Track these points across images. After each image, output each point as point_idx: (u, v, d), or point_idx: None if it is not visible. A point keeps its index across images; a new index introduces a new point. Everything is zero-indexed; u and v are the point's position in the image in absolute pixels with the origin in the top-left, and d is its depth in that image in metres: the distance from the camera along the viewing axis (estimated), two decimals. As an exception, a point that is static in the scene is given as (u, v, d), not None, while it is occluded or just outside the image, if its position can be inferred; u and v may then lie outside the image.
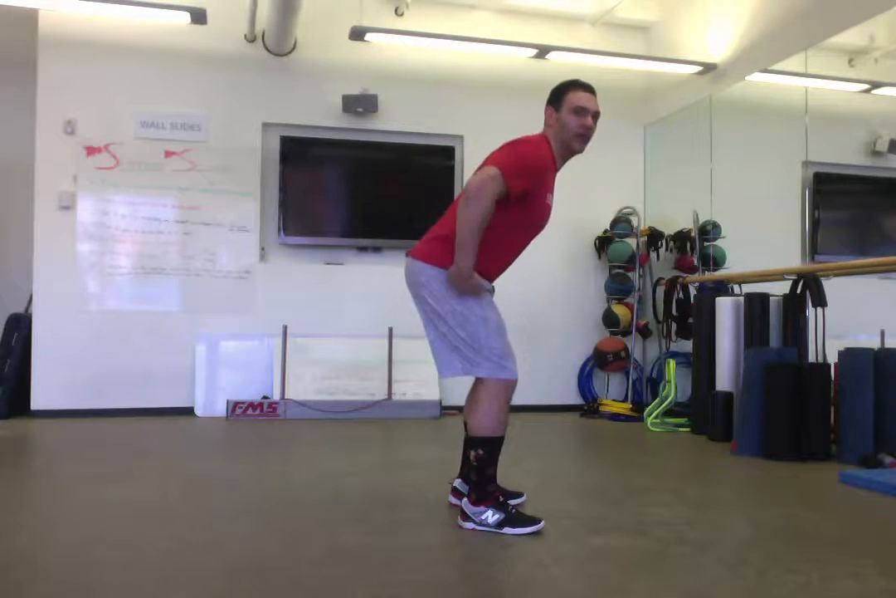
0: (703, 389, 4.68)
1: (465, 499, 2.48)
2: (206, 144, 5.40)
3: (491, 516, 2.40)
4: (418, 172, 5.81)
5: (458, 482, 2.75)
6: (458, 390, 5.46)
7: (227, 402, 5.12)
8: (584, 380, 5.96)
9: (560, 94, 2.57)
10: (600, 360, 5.79)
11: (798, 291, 4.21)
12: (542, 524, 2.40)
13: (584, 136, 2.55)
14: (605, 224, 5.96)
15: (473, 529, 2.41)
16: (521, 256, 2.66)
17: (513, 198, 2.40)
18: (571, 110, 2.52)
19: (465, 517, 2.44)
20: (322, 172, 5.74)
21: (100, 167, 5.22)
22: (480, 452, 2.43)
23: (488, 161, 2.44)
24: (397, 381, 5.45)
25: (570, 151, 2.59)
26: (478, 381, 2.50)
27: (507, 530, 2.38)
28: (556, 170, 2.59)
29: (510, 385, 2.46)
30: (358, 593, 1.87)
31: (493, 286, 2.58)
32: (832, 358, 3.94)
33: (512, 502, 2.57)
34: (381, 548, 2.23)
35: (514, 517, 2.41)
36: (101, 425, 4.80)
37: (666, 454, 4.11)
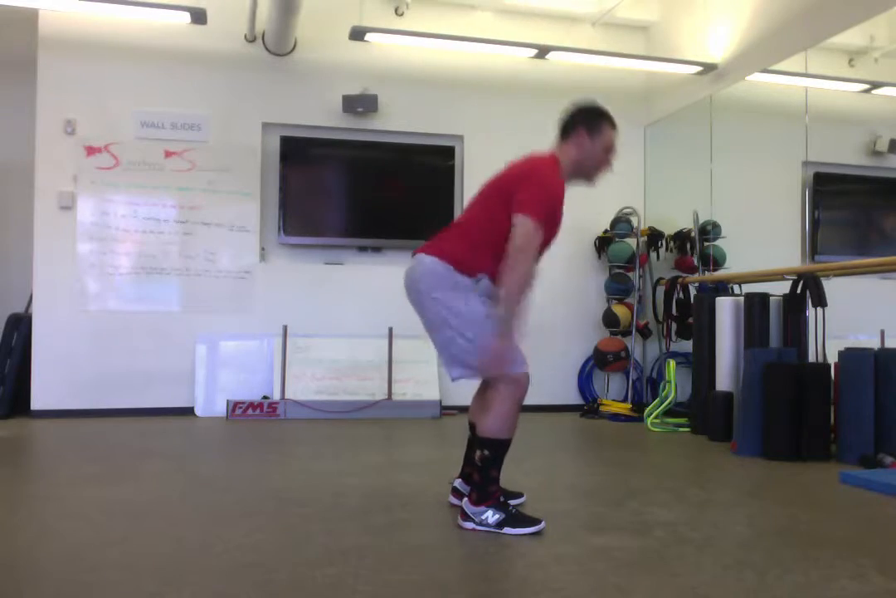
0: (703, 389, 4.68)
1: (465, 499, 2.48)
2: (206, 144, 5.40)
3: (491, 516, 2.40)
4: (418, 172, 5.81)
5: (458, 483, 2.76)
6: (458, 390, 5.48)
7: (227, 402, 5.12)
8: (584, 380, 5.96)
9: (598, 123, 2.57)
10: (600, 360, 5.79)
11: (798, 291, 4.22)
12: (543, 524, 2.40)
13: (604, 173, 2.61)
14: (605, 224, 5.96)
15: (474, 529, 2.41)
16: None
17: None
18: (606, 148, 2.57)
19: (466, 517, 2.44)
20: (322, 172, 5.74)
21: (100, 167, 5.22)
22: (487, 453, 2.43)
23: (520, 205, 2.40)
24: (397, 381, 5.45)
25: (580, 178, 2.64)
26: (489, 383, 2.49)
27: (507, 530, 2.38)
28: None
29: (522, 386, 2.43)
30: (358, 593, 1.87)
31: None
32: (832, 358, 3.94)
33: (512, 502, 2.57)
34: (381, 548, 2.23)
35: (515, 517, 2.41)
36: (101, 425, 4.80)
37: (666, 454, 4.11)
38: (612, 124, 2.60)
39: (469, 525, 2.43)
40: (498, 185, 2.55)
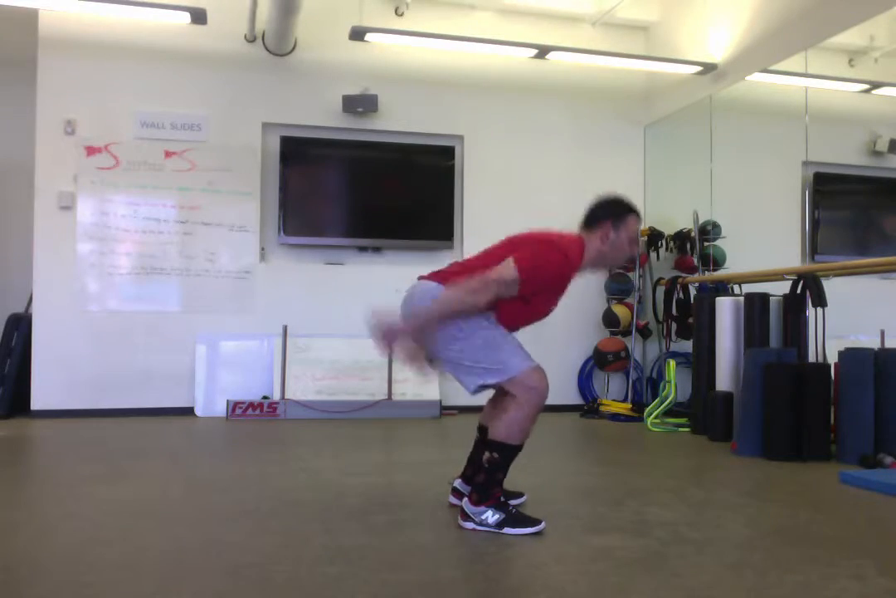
0: (703, 389, 4.68)
1: (465, 499, 2.48)
2: (206, 144, 5.40)
3: (491, 516, 2.40)
4: (418, 172, 5.81)
5: (458, 483, 2.75)
6: (459, 391, 5.48)
7: (227, 402, 5.12)
8: (584, 380, 5.96)
9: (624, 216, 2.57)
10: (600, 360, 5.79)
11: (798, 291, 4.22)
12: (543, 524, 2.40)
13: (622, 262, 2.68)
14: (605, 224, 5.95)
15: (474, 529, 2.41)
16: None
17: (518, 295, 2.44)
18: (630, 239, 2.58)
19: (466, 517, 2.44)
20: (322, 172, 5.74)
21: (100, 167, 5.23)
22: (496, 456, 2.42)
23: (518, 251, 2.42)
24: (397, 381, 5.45)
25: (603, 267, 2.71)
26: (506, 390, 2.47)
27: (507, 530, 2.38)
28: (576, 276, 2.60)
29: (539, 392, 2.43)
30: (358, 593, 1.87)
31: None
32: (832, 358, 3.94)
33: (513, 502, 2.57)
34: (381, 548, 2.23)
35: (515, 517, 2.41)
36: (101, 425, 4.80)
37: (666, 454, 4.11)
38: (637, 215, 2.61)
39: (469, 525, 2.42)
40: (513, 240, 2.56)
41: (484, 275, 2.39)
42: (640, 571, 2.05)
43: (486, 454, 2.44)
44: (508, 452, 2.43)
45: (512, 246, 2.51)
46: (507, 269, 2.38)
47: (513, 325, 2.60)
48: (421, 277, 2.60)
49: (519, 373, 2.42)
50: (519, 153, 5.93)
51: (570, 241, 2.53)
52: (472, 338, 2.43)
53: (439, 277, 2.54)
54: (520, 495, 2.79)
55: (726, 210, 5.45)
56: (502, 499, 2.46)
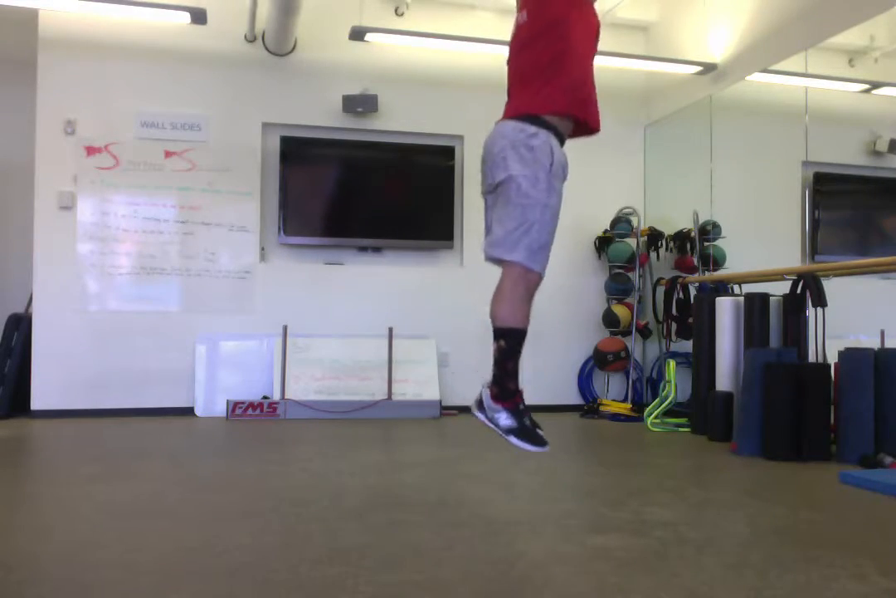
0: (703, 389, 4.67)
1: (486, 389, 2.37)
2: (206, 144, 5.40)
3: (504, 418, 2.31)
4: (418, 172, 5.81)
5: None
6: (459, 391, 5.50)
7: (227, 402, 5.12)
8: (584, 380, 5.96)
9: None
10: (600, 360, 5.79)
11: (798, 291, 4.21)
12: (548, 448, 2.34)
13: None
14: (605, 224, 5.96)
15: (483, 422, 2.33)
16: None
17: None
18: None
19: (480, 407, 2.35)
20: (322, 172, 5.74)
21: (100, 167, 5.22)
22: (502, 343, 2.33)
23: None
24: (397, 381, 5.45)
25: None
26: (504, 268, 2.36)
27: (511, 438, 2.30)
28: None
29: (533, 280, 2.34)
30: (358, 593, 1.87)
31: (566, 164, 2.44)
32: (832, 358, 3.93)
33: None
34: (381, 548, 2.23)
35: (526, 430, 2.33)
36: (101, 425, 4.80)
37: (666, 454, 4.11)
38: None
39: (480, 416, 2.34)
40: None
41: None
42: (640, 571, 2.05)
43: (495, 344, 2.35)
44: (513, 337, 2.32)
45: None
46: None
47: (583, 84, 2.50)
48: (498, 121, 2.52)
49: (529, 262, 2.31)
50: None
51: None
52: (547, 209, 2.30)
53: (511, 109, 2.49)
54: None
55: (726, 210, 5.45)
56: (521, 407, 2.36)
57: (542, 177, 2.29)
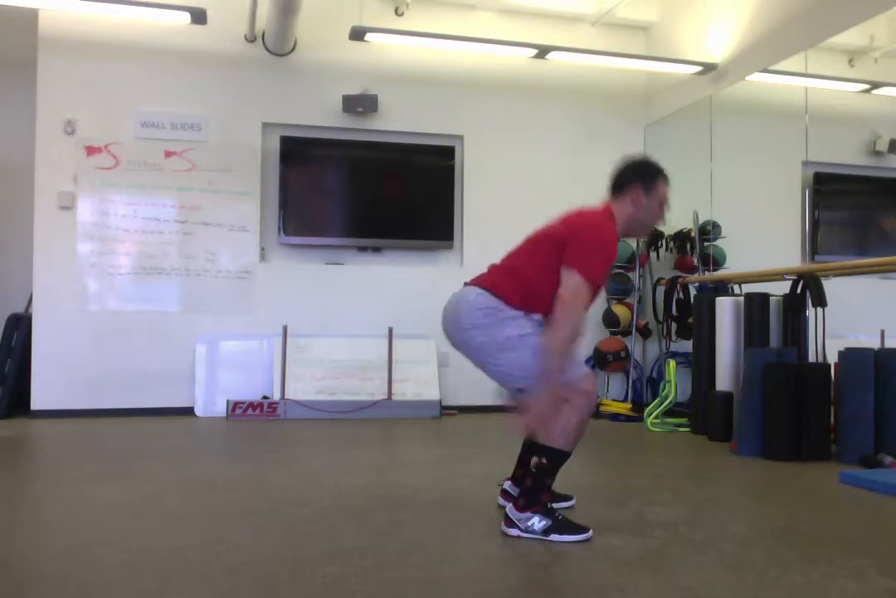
0: (703, 389, 4.67)
1: (510, 505, 2.39)
2: (206, 144, 5.40)
3: (538, 522, 2.31)
4: (418, 172, 5.81)
5: (508, 484, 2.67)
6: (459, 391, 5.50)
7: (227, 402, 5.12)
8: (584, 380, 5.95)
9: (653, 178, 2.54)
10: (600, 360, 5.78)
11: (798, 291, 4.21)
12: (591, 532, 2.32)
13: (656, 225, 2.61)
14: (605, 224, 5.95)
15: (519, 535, 2.32)
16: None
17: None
18: (661, 203, 2.55)
19: (510, 523, 2.35)
20: (322, 172, 5.74)
21: (100, 167, 5.22)
22: (545, 461, 2.35)
23: (572, 259, 2.34)
24: (397, 381, 5.45)
25: (634, 233, 2.65)
26: (561, 395, 2.37)
27: (553, 537, 2.29)
28: None
29: (590, 398, 2.37)
30: (358, 593, 1.87)
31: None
32: (832, 358, 3.94)
33: (563, 505, 2.54)
34: (381, 548, 2.23)
35: (562, 524, 2.33)
36: (101, 425, 4.80)
37: (666, 454, 4.11)
38: (666, 179, 2.58)
39: (514, 532, 2.34)
40: (550, 234, 2.46)
41: (562, 307, 2.31)
42: (640, 571, 2.05)
43: (535, 459, 2.36)
44: (559, 458, 2.35)
45: (553, 242, 2.41)
46: (576, 284, 2.31)
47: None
48: (467, 283, 2.50)
49: (577, 378, 2.36)
50: (519, 153, 5.93)
51: (602, 218, 2.47)
52: (520, 348, 2.35)
53: (487, 282, 2.46)
54: (568, 498, 2.71)
55: (726, 210, 5.45)
56: (550, 505, 2.38)
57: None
